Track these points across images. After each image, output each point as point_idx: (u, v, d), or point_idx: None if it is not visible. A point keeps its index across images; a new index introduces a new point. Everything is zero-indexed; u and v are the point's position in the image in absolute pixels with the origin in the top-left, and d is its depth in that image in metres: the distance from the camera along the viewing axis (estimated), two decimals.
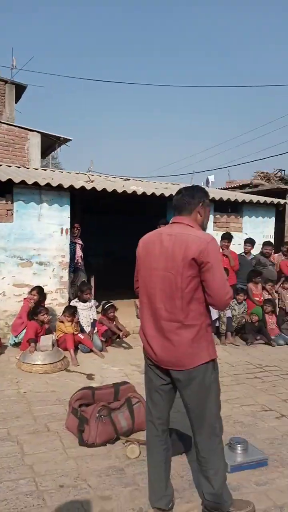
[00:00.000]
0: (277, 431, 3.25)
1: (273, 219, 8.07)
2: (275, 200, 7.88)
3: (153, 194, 6.75)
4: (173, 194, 7.89)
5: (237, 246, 7.15)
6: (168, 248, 2.00)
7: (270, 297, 6.84)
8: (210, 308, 2.07)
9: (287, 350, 6.01)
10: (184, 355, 1.98)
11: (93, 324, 5.76)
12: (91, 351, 5.31)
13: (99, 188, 6.28)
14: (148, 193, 6.69)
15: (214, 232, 7.09)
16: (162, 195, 6.96)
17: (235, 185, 15.21)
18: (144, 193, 6.65)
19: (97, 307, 6.32)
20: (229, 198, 7.34)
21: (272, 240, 7.73)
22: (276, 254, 7.57)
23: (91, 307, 5.94)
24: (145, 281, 2.12)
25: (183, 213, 2.13)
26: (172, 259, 1.97)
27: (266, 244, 7.22)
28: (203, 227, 2.17)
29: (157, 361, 2.07)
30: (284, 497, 2.36)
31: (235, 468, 2.60)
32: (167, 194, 7.08)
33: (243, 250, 7.11)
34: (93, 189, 6.24)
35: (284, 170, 14.19)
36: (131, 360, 5.04)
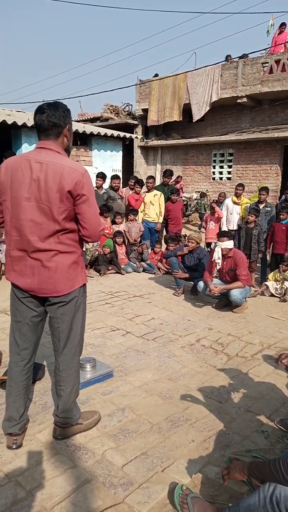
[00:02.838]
0: (122, 346, 3.60)
1: (120, 153, 8.23)
2: (122, 134, 7.99)
3: None
4: (17, 122, 7.21)
5: None
6: (40, 178, 1.89)
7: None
8: None
9: (134, 276, 6.59)
10: (61, 280, 2.00)
11: None
12: None
13: None
14: None
15: None
16: (4, 122, 6.30)
17: (87, 118, 14.81)
18: None
19: None
20: (77, 129, 7.13)
21: (121, 174, 7.95)
22: (124, 188, 7.86)
23: None
24: (13, 212, 1.96)
25: (50, 137, 1.99)
26: (45, 190, 1.88)
27: (114, 177, 7.39)
28: (68, 151, 2.11)
29: (32, 290, 2.02)
30: (125, 400, 2.68)
31: (84, 385, 2.80)
32: (10, 122, 6.44)
33: (95, 185, 7.15)
34: None
35: (131, 105, 14.31)
36: None
